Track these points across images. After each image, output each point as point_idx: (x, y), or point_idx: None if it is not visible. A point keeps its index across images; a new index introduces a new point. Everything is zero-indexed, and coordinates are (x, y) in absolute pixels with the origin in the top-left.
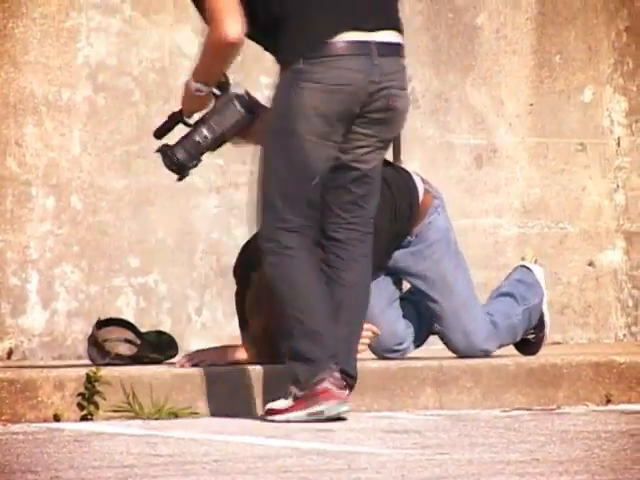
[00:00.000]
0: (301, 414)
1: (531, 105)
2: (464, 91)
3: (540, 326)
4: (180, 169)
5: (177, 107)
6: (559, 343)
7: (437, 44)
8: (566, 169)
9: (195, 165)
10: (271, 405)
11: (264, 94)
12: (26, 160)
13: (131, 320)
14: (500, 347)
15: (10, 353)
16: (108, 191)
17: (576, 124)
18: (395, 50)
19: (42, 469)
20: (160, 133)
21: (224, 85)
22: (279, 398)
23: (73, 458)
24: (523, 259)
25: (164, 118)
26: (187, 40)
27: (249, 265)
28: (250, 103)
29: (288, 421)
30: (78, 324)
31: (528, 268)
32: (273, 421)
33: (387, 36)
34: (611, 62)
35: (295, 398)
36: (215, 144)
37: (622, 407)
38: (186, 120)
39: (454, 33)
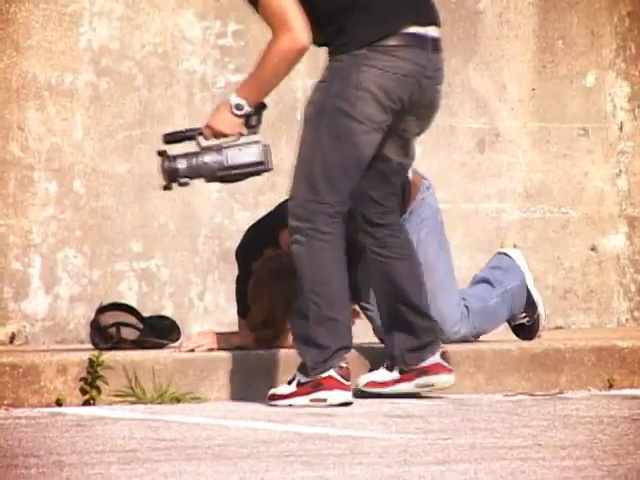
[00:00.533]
0: (303, 400)
1: (533, 90)
2: (467, 76)
3: (532, 307)
4: (172, 178)
5: (179, 91)
6: (561, 328)
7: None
8: (568, 154)
9: (185, 183)
10: (274, 390)
11: None
12: (29, 144)
13: (133, 305)
14: (480, 332)
15: (13, 338)
16: (111, 176)
17: (578, 109)
18: (440, 46)
19: (44, 453)
20: (170, 139)
21: (258, 117)
22: (282, 383)
23: (75, 443)
24: (502, 246)
25: (166, 102)
26: (189, 24)
27: (251, 252)
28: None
29: (290, 406)
30: (80, 309)
31: (505, 254)
32: (275, 406)
33: (435, 32)
34: (613, 47)
35: (299, 384)
36: (218, 174)
37: (624, 392)
38: (200, 141)
39: (456, 18)
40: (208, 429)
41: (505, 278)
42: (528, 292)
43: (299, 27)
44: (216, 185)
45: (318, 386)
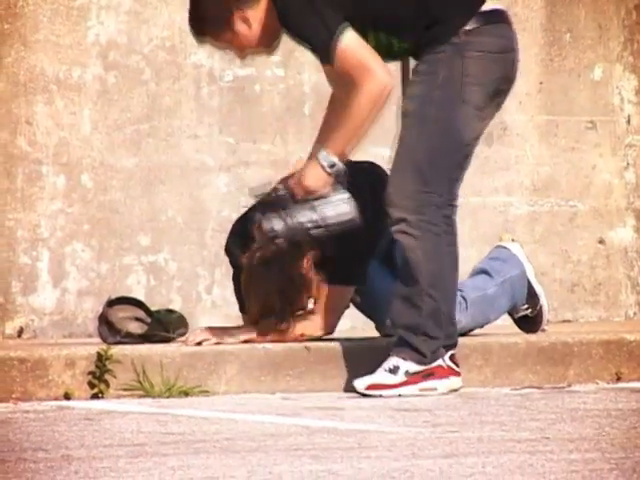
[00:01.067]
0: (413, 389)
1: (541, 83)
2: None
3: (534, 299)
4: (270, 240)
5: (186, 85)
6: (569, 321)
7: None
8: (576, 147)
9: (281, 244)
10: (375, 380)
11: (274, 72)
12: (37, 139)
13: (141, 298)
14: (480, 322)
15: (21, 332)
16: (118, 170)
17: (586, 102)
18: None
19: (53, 447)
20: (263, 200)
21: (344, 171)
22: (371, 372)
23: (84, 436)
24: (501, 240)
25: (174, 96)
26: None
27: (239, 247)
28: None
29: (399, 396)
30: (89, 302)
31: (504, 247)
32: (381, 396)
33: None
34: (621, 40)
35: (408, 373)
36: (312, 232)
37: (632, 385)
38: (287, 201)
39: None
40: (216, 423)
41: (503, 268)
42: (529, 284)
43: (381, 70)
44: (224, 179)
45: (429, 375)
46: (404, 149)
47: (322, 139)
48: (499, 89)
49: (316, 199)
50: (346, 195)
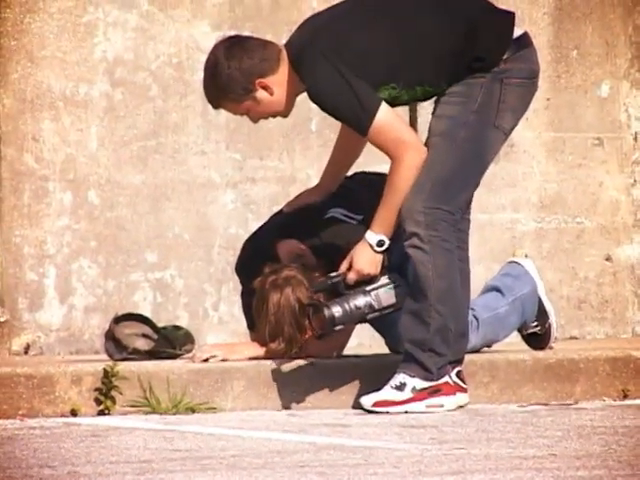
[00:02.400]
0: (420, 406)
1: (548, 100)
2: None
3: (544, 316)
4: (330, 327)
5: (193, 101)
6: (576, 338)
7: None
8: (583, 164)
9: (339, 330)
10: (382, 397)
11: None
12: (43, 155)
13: (148, 315)
14: (491, 340)
15: (27, 348)
16: (125, 186)
17: (593, 119)
18: None
19: (59, 464)
20: (319, 289)
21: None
22: (378, 390)
23: (90, 453)
24: (513, 256)
25: (181, 113)
26: (204, 35)
27: (250, 268)
28: None
29: (406, 412)
30: (95, 319)
31: (516, 262)
32: (388, 413)
33: None
34: (628, 57)
35: (415, 390)
36: (368, 317)
37: (639, 402)
38: (341, 287)
39: None
40: (223, 439)
41: (515, 285)
42: (540, 301)
43: (415, 139)
44: (230, 195)
45: (436, 392)
46: (427, 166)
47: (331, 170)
48: (524, 112)
49: (368, 283)
50: (392, 279)
